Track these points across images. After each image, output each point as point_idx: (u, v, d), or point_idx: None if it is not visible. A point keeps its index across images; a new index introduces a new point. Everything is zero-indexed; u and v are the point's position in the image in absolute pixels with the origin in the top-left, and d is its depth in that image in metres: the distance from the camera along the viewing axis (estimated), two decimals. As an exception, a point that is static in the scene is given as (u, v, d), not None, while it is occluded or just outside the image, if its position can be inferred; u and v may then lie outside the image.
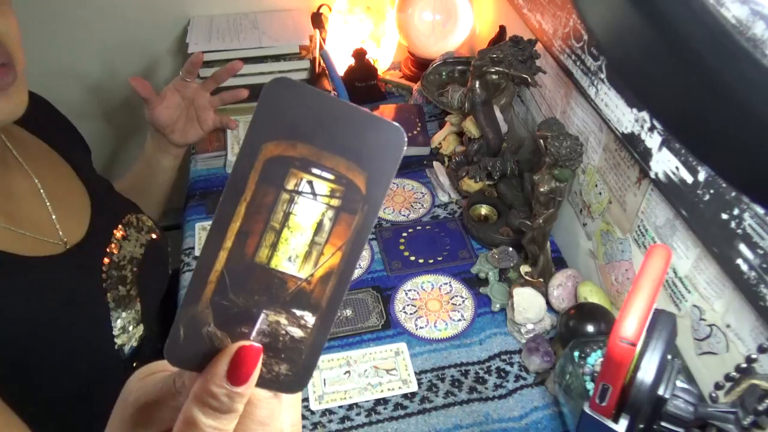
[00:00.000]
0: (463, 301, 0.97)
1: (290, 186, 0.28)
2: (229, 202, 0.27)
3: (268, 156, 0.27)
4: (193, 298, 0.28)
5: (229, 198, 0.27)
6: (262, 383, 0.28)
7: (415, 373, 0.87)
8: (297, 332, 0.29)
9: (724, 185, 0.63)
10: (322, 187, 0.28)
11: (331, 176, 0.28)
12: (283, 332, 0.29)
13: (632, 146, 0.80)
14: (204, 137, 1.11)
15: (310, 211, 0.28)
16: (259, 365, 0.28)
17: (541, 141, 0.87)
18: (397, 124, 0.28)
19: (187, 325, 0.28)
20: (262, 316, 0.28)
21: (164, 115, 1.02)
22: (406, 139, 0.28)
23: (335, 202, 0.28)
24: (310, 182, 0.28)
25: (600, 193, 0.92)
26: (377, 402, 0.84)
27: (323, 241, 0.28)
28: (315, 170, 0.28)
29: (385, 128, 0.28)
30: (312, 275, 0.29)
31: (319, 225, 0.28)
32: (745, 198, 0.60)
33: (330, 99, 0.27)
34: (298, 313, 0.29)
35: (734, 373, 0.52)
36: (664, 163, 0.73)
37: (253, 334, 0.28)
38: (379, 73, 1.44)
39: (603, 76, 0.85)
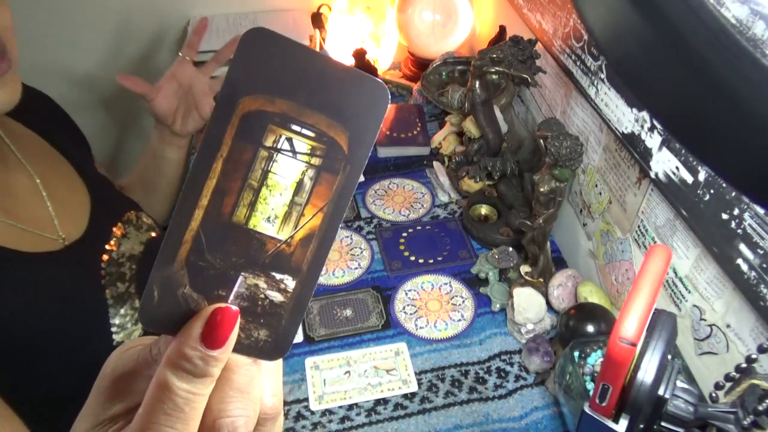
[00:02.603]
0: (463, 301, 0.97)
1: (269, 143, 0.26)
2: (205, 158, 0.26)
3: (246, 111, 0.26)
4: (168, 258, 0.27)
5: (204, 154, 0.26)
6: (240, 349, 0.27)
7: (415, 373, 0.87)
8: (277, 296, 0.28)
9: (724, 185, 0.63)
10: (302, 145, 0.27)
11: (311, 133, 0.26)
12: (262, 296, 0.28)
13: (632, 146, 0.80)
14: (201, 122, 1.06)
15: (289, 169, 0.27)
16: (236, 329, 0.27)
17: (541, 141, 0.87)
18: (380, 80, 0.26)
19: (162, 286, 0.27)
20: (240, 278, 0.27)
21: (163, 106, 1.01)
22: (390, 97, 0.26)
23: (316, 160, 0.27)
24: (289, 139, 0.27)
25: (600, 193, 0.92)
26: (377, 402, 0.84)
27: (303, 202, 0.27)
28: (295, 127, 0.26)
29: (369, 85, 0.26)
30: (292, 237, 0.27)
31: (299, 184, 0.27)
32: (745, 198, 0.60)
33: (311, 53, 0.26)
34: (278, 276, 0.28)
35: (734, 373, 0.52)
36: (664, 163, 0.73)
37: (231, 297, 0.27)
38: (379, 73, 1.44)
39: (603, 76, 0.85)
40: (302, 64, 0.26)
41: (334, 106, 0.26)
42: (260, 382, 0.29)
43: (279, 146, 0.27)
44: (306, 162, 0.27)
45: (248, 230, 0.27)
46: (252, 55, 0.25)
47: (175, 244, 0.27)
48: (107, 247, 0.81)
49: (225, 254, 0.27)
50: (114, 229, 0.84)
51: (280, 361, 0.30)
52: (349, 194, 0.27)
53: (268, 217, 0.27)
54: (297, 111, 0.26)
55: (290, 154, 0.27)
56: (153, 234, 0.91)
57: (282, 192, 0.27)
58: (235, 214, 0.27)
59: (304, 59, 0.26)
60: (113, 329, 0.78)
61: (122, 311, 0.79)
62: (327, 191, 0.27)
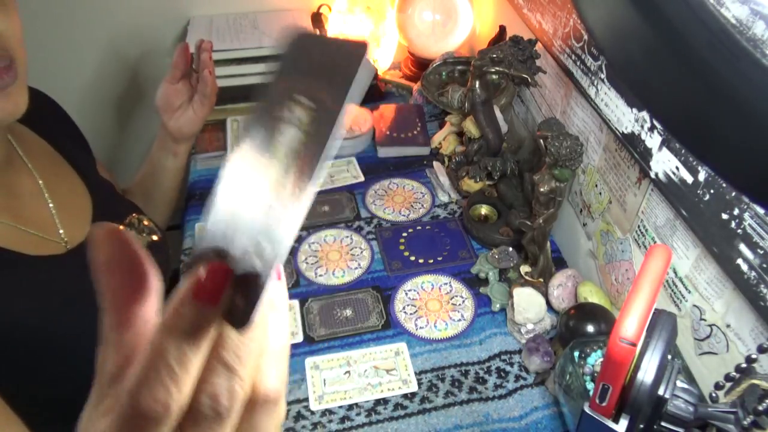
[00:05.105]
0: (463, 301, 0.97)
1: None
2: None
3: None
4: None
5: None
6: (225, 315, 0.28)
7: (415, 373, 0.87)
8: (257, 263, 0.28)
9: (724, 185, 0.63)
10: (300, 113, 0.29)
11: (305, 100, 0.29)
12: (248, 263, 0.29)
13: (632, 146, 0.80)
14: (195, 123, 1.06)
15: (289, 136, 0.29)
16: (227, 287, 0.27)
17: (541, 141, 0.87)
18: (362, 40, 0.29)
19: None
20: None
21: (170, 92, 1.04)
22: (367, 48, 0.29)
23: (307, 125, 0.29)
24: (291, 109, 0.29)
25: (600, 193, 0.92)
26: (377, 402, 0.84)
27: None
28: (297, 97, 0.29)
29: (350, 44, 0.29)
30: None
31: (291, 149, 0.29)
32: (745, 198, 0.60)
33: (314, 37, 0.29)
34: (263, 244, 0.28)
35: (734, 373, 0.52)
36: (664, 163, 0.73)
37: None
38: (379, 73, 1.44)
39: (603, 76, 0.85)
40: (308, 47, 0.29)
41: (323, 72, 0.29)
42: (253, 358, 0.29)
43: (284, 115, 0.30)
44: (299, 128, 0.29)
45: None
46: (287, 51, 0.29)
47: None
48: None
49: None
50: None
51: (287, 347, 0.30)
52: (325, 143, 0.28)
53: None
54: (297, 84, 0.29)
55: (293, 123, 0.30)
56: (154, 238, 0.91)
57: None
58: None
59: (310, 44, 0.29)
60: None
61: None
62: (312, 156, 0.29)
